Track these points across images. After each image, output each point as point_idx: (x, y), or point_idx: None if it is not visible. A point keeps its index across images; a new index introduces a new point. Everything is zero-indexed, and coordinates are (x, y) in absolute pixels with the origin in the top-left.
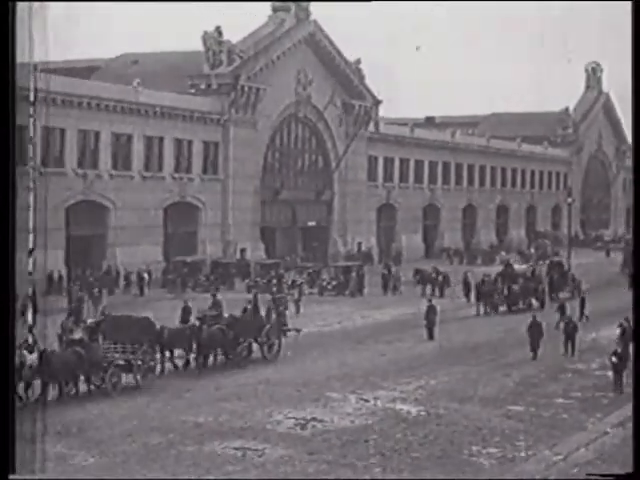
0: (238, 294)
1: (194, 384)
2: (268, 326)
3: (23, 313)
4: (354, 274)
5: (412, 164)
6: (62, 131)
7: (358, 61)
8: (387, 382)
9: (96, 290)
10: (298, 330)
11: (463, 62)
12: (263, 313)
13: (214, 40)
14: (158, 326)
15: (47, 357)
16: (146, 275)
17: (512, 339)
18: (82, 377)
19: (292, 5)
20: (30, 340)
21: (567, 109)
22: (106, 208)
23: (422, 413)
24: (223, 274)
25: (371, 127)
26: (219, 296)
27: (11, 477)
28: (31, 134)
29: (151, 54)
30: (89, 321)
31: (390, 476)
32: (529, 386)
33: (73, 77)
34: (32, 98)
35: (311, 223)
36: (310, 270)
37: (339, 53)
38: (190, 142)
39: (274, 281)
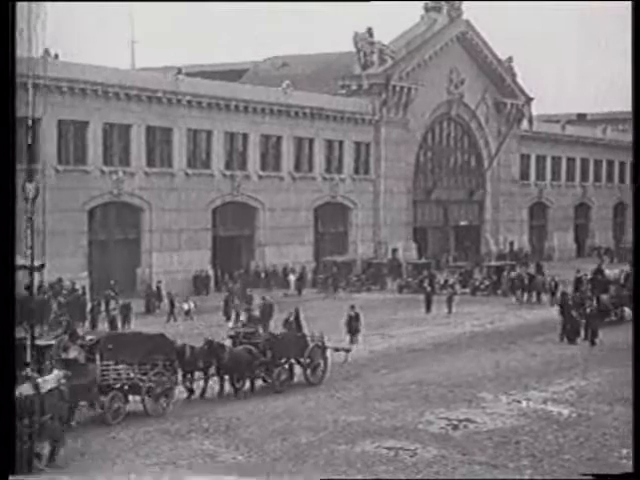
0: (390, 294)
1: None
2: (312, 345)
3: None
4: (506, 274)
5: (564, 162)
6: (208, 133)
7: (510, 59)
8: (539, 383)
9: (248, 290)
10: (347, 350)
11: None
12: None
13: (365, 41)
14: (179, 343)
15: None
16: (294, 275)
17: None
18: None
19: (444, 5)
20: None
21: None
22: (254, 209)
23: (573, 415)
24: (375, 274)
25: (524, 125)
26: (255, 312)
27: (11, 477)
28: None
29: (300, 56)
30: (88, 338)
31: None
32: None
33: (221, 80)
34: (176, 101)
35: (463, 222)
36: (462, 270)
37: (491, 51)
38: (341, 143)
39: (426, 281)
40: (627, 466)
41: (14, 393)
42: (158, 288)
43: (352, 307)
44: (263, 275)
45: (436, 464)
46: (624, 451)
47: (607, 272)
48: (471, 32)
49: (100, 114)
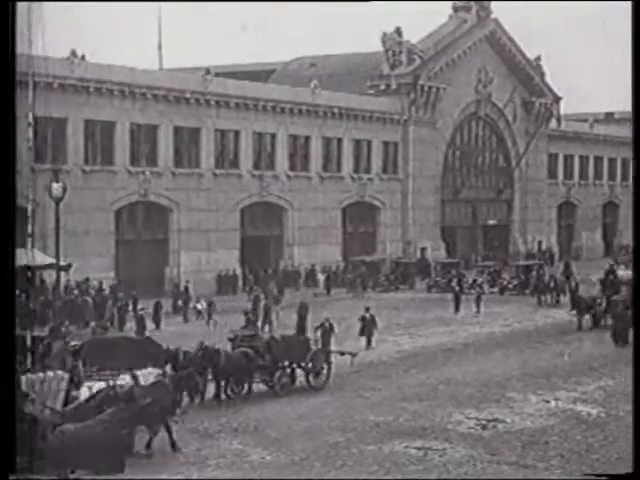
0: (418, 294)
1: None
2: (314, 349)
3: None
4: (534, 273)
5: (592, 161)
6: (236, 133)
7: (538, 58)
8: (567, 383)
9: (275, 290)
10: (353, 354)
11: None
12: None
13: (394, 41)
14: (172, 348)
15: None
16: (321, 275)
17: None
18: None
19: (473, 4)
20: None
21: None
22: (283, 209)
23: (602, 415)
24: (403, 274)
25: (552, 124)
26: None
27: (11, 477)
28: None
29: (328, 56)
30: (71, 343)
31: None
32: None
33: (249, 80)
34: (204, 101)
35: (492, 222)
36: (491, 269)
37: (519, 50)
38: (369, 142)
39: (455, 281)
40: None
41: (14, 393)
42: (186, 288)
43: (367, 309)
44: (292, 274)
45: (465, 464)
46: None
47: (620, 273)
48: (500, 31)
49: (127, 114)
